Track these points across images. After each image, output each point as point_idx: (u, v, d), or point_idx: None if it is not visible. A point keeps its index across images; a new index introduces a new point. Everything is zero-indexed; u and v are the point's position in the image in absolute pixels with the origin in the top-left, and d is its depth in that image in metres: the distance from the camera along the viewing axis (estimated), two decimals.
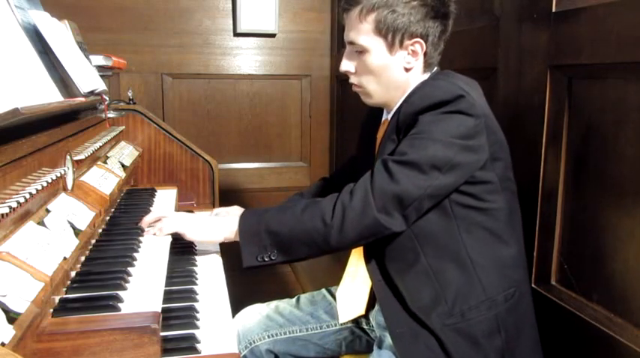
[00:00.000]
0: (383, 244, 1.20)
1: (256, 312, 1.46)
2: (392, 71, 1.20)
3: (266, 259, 1.17)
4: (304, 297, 1.50)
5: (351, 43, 1.21)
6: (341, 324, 1.42)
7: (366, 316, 1.41)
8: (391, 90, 1.23)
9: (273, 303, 1.48)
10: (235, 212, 1.50)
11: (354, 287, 1.32)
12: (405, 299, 1.18)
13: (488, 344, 1.13)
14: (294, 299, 1.50)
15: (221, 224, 1.27)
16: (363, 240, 1.15)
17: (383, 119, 1.32)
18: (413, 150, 1.09)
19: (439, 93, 1.11)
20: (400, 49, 1.18)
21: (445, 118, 1.09)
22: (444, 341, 1.12)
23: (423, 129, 1.11)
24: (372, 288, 1.27)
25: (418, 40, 1.17)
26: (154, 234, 1.28)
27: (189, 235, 1.29)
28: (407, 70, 1.21)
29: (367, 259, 1.26)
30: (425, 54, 1.20)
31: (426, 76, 1.24)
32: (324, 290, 1.50)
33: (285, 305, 1.47)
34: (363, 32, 1.18)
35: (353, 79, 1.26)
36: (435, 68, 1.26)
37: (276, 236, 1.16)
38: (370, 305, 1.34)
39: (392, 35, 1.17)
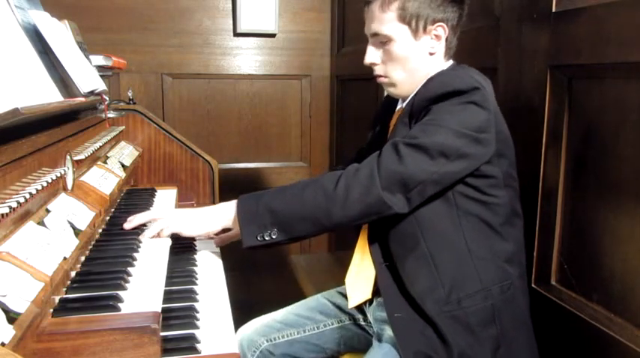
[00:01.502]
0: (386, 228, 1.22)
1: (253, 324, 1.48)
2: (417, 57, 1.23)
3: (266, 238, 1.16)
4: (299, 305, 1.51)
5: (375, 34, 1.24)
6: (338, 322, 1.44)
7: (363, 313, 1.41)
8: (416, 77, 1.25)
9: (269, 314, 1.50)
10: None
11: (362, 271, 1.32)
12: (405, 283, 1.19)
13: (484, 333, 1.15)
14: (288, 307, 1.51)
15: (217, 213, 1.27)
16: (365, 217, 1.15)
17: (397, 108, 1.35)
18: (424, 135, 1.11)
19: (456, 82, 1.13)
20: (424, 34, 1.22)
21: (459, 109, 1.12)
22: (440, 327, 1.14)
23: (436, 117, 1.13)
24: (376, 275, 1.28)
25: (441, 24, 1.21)
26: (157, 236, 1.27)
27: (186, 233, 1.28)
28: (431, 54, 1.24)
29: (371, 242, 1.28)
30: (446, 39, 1.23)
31: (447, 64, 1.28)
32: (317, 296, 1.52)
33: (280, 313, 1.49)
34: (386, 22, 1.21)
35: (378, 70, 1.28)
36: (451, 61, 1.29)
37: (276, 213, 1.16)
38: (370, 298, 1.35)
39: (415, 21, 1.20)
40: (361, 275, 1.32)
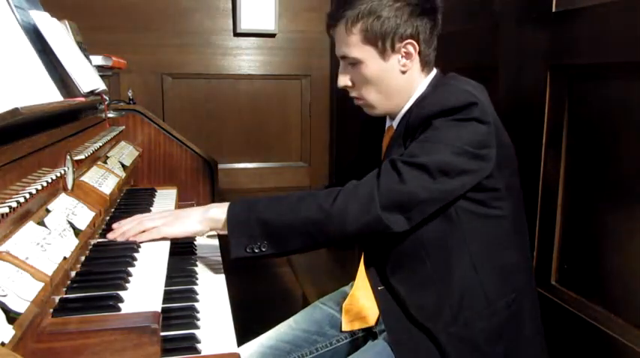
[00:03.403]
0: (386, 251, 1.19)
1: (258, 347, 1.36)
2: (389, 77, 1.19)
3: (256, 250, 1.12)
4: (300, 317, 1.42)
5: (344, 57, 1.21)
6: (352, 336, 1.38)
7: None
8: (393, 97, 1.21)
9: (271, 332, 1.40)
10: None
11: (364, 298, 1.27)
12: (408, 306, 1.16)
13: (491, 350, 1.12)
14: (290, 321, 1.42)
15: (204, 214, 1.21)
16: (361, 236, 1.12)
17: (387, 126, 1.30)
18: (423, 153, 1.08)
19: (452, 98, 1.09)
20: (393, 53, 1.17)
21: (458, 125, 1.08)
22: (445, 348, 1.11)
23: (435, 134, 1.09)
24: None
25: (409, 40, 1.16)
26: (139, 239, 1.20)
27: (164, 233, 1.21)
28: (404, 72, 1.19)
29: (367, 266, 1.24)
30: (419, 53, 1.18)
31: (429, 77, 1.23)
32: (318, 304, 1.45)
33: (284, 329, 1.39)
34: (352, 44, 1.17)
35: (353, 93, 1.25)
36: (435, 69, 1.25)
37: (267, 225, 1.11)
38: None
39: (382, 41, 1.15)
40: (364, 303, 1.27)
